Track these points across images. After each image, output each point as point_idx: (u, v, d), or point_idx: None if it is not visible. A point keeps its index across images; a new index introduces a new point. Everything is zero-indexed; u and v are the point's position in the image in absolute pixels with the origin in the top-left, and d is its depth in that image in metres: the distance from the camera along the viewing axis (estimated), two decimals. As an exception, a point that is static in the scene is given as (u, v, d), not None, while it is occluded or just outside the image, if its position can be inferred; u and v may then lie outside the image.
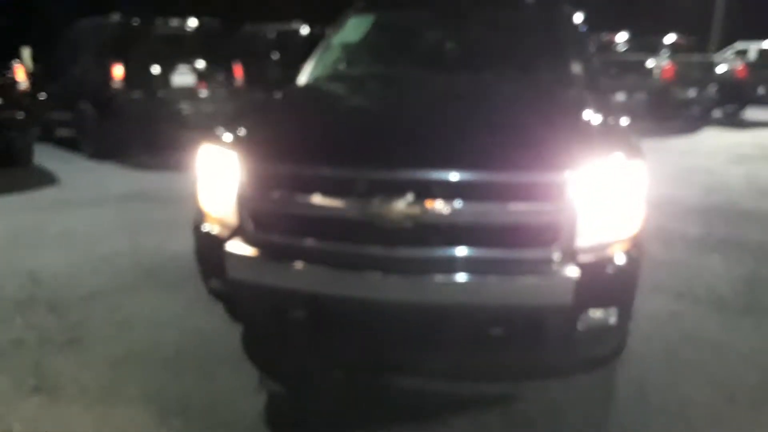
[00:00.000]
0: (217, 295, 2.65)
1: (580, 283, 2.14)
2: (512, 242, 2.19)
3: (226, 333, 3.13)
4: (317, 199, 2.26)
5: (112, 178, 7.19)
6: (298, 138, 2.48)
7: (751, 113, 14.09)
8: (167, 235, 4.85)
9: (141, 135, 7.99)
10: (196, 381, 2.75)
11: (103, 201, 6.06)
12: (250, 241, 2.40)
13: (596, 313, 2.25)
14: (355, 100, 3.06)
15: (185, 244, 4.52)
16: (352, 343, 2.55)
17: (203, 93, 8.38)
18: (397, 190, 2.15)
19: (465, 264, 2.19)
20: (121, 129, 7.84)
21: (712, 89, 11.94)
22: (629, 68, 10.75)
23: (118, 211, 5.71)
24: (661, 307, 3.48)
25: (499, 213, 2.17)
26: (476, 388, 2.68)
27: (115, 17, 8.18)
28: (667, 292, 3.71)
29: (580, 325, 2.24)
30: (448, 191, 2.16)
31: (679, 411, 2.51)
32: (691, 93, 11.39)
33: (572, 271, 2.14)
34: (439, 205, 2.15)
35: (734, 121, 13.06)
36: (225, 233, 2.47)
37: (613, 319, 2.29)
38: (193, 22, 8.63)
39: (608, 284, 2.24)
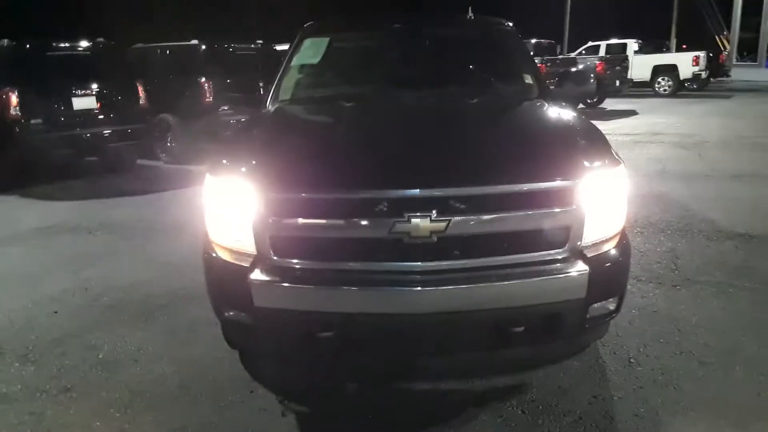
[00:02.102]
0: (235, 325, 2.67)
1: (591, 277, 2.41)
2: (529, 247, 2.43)
3: (224, 360, 3.13)
4: (343, 222, 2.37)
5: (20, 212, 6.70)
6: (313, 164, 2.55)
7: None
8: (113, 267, 4.69)
9: (43, 163, 7.50)
10: (215, 411, 2.75)
11: (23, 237, 5.67)
12: (276, 269, 2.45)
13: (602, 303, 2.53)
14: (345, 122, 3.15)
15: (138, 275, 4.44)
16: (378, 355, 2.67)
17: (105, 115, 8.02)
18: (423, 207, 2.32)
19: (489, 271, 2.39)
20: (21, 159, 7.32)
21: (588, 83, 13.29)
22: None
23: (44, 246, 5.38)
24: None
25: (518, 221, 2.39)
26: (488, 383, 2.89)
27: (4, 42, 7.61)
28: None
29: (590, 315, 2.52)
30: (470, 205, 2.35)
31: (666, 379, 2.86)
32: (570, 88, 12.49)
33: (584, 268, 2.41)
34: (462, 219, 2.34)
35: (597, 112, 14.45)
36: (244, 263, 2.50)
37: (613, 306, 2.59)
38: (85, 43, 8.24)
39: (612, 275, 2.54)
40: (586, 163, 2.47)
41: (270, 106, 3.53)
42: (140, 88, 8.52)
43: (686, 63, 20.72)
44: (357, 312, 2.42)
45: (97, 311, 3.88)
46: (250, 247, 2.50)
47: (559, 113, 3.08)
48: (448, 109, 3.19)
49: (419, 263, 2.38)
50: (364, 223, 2.37)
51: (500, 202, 2.38)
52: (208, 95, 9.26)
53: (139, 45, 10.38)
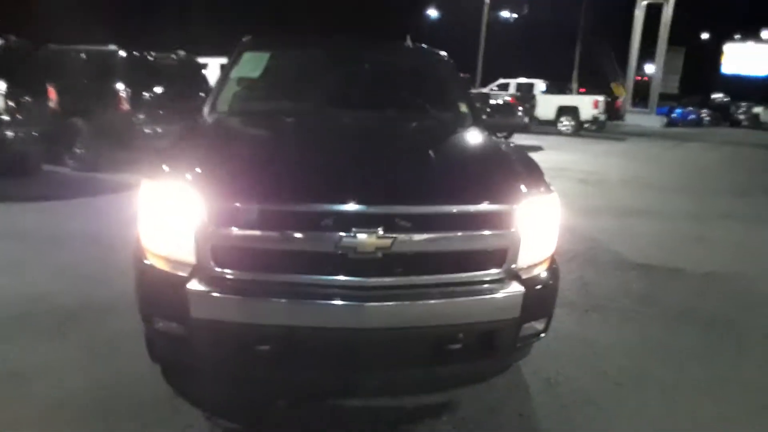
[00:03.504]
0: (166, 337, 2.58)
1: (525, 298, 2.53)
2: (470, 266, 2.52)
3: (144, 375, 3.01)
4: (290, 234, 2.37)
5: None
6: (261, 174, 2.54)
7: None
8: (20, 277, 4.39)
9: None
10: (138, 430, 2.63)
11: None
12: (216, 279, 2.41)
13: (533, 323, 2.66)
14: (291, 136, 3.15)
15: (48, 286, 4.18)
16: (315, 370, 2.65)
17: (11, 116, 7.52)
18: (370, 223, 2.36)
19: (431, 289, 2.47)
20: None
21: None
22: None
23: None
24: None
25: (461, 241, 2.48)
26: (418, 401, 2.93)
27: None
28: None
29: (521, 334, 2.63)
30: (415, 224, 2.43)
31: (585, 397, 3.02)
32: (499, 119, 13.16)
33: (519, 288, 2.53)
34: (407, 237, 2.40)
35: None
36: (181, 272, 2.44)
37: (542, 326, 2.73)
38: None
39: (543, 296, 2.67)
40: (524, 190, 2.61)
41: (207, 117, 3.47)
42: (52, 90, 8.07)
43: (587, 106, 22.16)
44: (298, 325, 2.42)
45: (3, 323, 3.61)
46: (189, 256, 2.44)
47: (495, 142, 3.24)
48: (391, 130, 3.27)
49: (364, 278, 2.42)
50: (311, 236, 2.38)
51: (444, 222, 2.46)
52: (124, 103, 8.92)
53: (52, 46, 9.85)
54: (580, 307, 4.27)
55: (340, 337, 2.46)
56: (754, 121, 33.89)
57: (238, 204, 2.39)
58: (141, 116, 9.24)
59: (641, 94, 34.61)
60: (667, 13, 30.17)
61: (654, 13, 31.39)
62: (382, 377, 2.90)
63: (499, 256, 2.54)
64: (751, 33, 46.98)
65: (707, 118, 33.53)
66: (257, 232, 2.39)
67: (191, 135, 3.17)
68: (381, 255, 2.38)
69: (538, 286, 2.63)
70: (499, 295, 2.52)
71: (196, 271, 2.43)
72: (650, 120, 30.64)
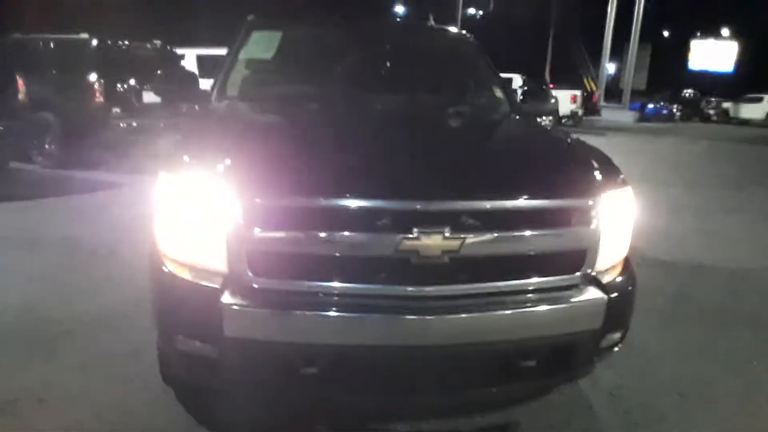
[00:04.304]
0: (190, 358, 2.17)
1: (608, 306, 2.19)
2: (547, 270, 2.17)
3: (157, 400, 2.60)
4: (344, 236, 1.99)
5: None
6: (304, 165, 2.14)
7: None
8: (2, 287, 3.90)
9: None
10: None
11: None
12: (254, 291, 2.02)
13: (613, 333, 2.32)
14: (328, 124, 2.74)
15: (29, 296, 3.71)
16: (369, 394, 2.27)
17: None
18: (435, 222, 2.00)
19: (505, 297, 2.11)
20: None
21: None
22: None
23: None
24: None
25: (538, 241, 2.12)
26: (474, 423, 2.59)
27: None
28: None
29: (601, 346, 2.29)
30: (487, 222, 2.06)
31: (654, 412, 2.71)
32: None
33: (601, 295, 2.19)
34: (478, 237, 2.04)
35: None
36: (212, 284, 2.04)
37: (618, 337, 2.40)
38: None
39: (623, 304, 2.33)
40: (602, 181, 2.27)
41: (217, 102, 3.05)
42: (20, 82, 7.48)
43: (565, 100, 22.09)
44: (354, 344, 2.04)
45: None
46: (219, 264, 2.04)
47: (552, 130, 2.90)
48: (433, 116, 2.89)
49: (430, 287, 2.04)
50: (368, 238, 2.00)
51: (520, 220, 2.10)
52: (98, 95, 8.37)
53: (17, 35, 9.22)
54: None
55: (401, 357, 2.09)
56: (724, 116, 34.31)
57: (282, 201, 2.00)
58: (116, 110, 8.73)
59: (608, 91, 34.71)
60: (639, 7, 30.35)
61: (619, 10, 31.55)
62: (441, 400, 2.54)
63: (578, 258, 2.19)
64: (711, 31, 48.18)
65: (678, 114, 33.86)
66: (305, 234, 1.99)
67: (206, 122, 2.75)
68: (447, 259, 2.02)
69: (620, 292, 2.28)
70: (580, 302, 2.17)
71: (230, 281, 2.03)
72: (624, 115, 30.79)
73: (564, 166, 2.41)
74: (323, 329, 2.02)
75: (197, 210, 2.06)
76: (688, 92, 38.52)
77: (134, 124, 8.92)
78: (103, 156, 8.79)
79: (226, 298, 1.99)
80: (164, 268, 2.15)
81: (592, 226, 2.18)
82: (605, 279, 2.27)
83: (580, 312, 2.18)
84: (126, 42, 9.29)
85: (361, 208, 2.01)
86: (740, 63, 47.55)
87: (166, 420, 2.50)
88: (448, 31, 3.90)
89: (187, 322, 2.11)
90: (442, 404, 2.60)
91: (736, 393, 2.93)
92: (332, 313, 2.01)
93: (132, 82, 8.93)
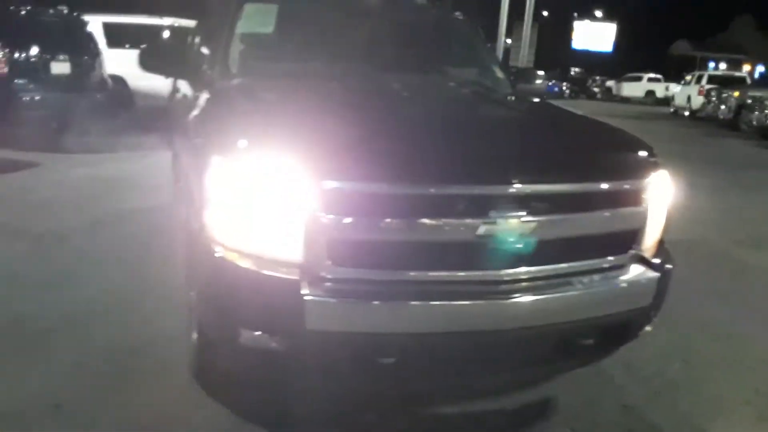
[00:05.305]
0: (255, 353, 2.04)
1: (658, 283, 2.29)
2: (608, 250, 2.24)
3: (189, 400, 2.44)
4: (429, 222, 1.94)
5: None
6: (379, 148, 2.03)
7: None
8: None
9: None
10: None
11: None
12: (336, 281, 1.93)
13: (658, 309, 2.43)
14: (376, 105, 2.60)
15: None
16: (441, 380, 2.25)
17: None
18: (512, 207, 2.00)
19: (572, 278, 2.16)
20: None
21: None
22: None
23: None
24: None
25: (603, 222, 2.20)
26: (515, 401, 2.62)
27: None
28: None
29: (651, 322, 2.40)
30: (560, 204, 2.10)
31: (670, 381, 2.88)
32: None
33: (653, 273, 2.29)
34: (551, 219, 2.07)
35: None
36: (290, 275, 1.91)
37: (654, 313, 2.51)
38: None
39: (667, 281, 2.43)
40: (651, 163, 2.37)
41: (228, 80, 2.80)
42: None
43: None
44: (434, 331, 2.00)
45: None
46: (293, 254, 1.92)
47: (575, 113, 2.95)
48: (467, 97, 2.84)
49: (506, 270, 2.05)
50: (448, 223, 1.96)
51: (589, 201, 2.16)
52: (2, 65, 7.58)
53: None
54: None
55: (475, 341, 2.07)
56: (608, 94, 36.63)
57: (368, 185, 1.90)
58: (19, 81, 7.96)
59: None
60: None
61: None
62: (501, 379, 2.56)
63: (632, 237, 2.28)
64: (588, 13, 51.31)
65: (568, 91, 35.63)
66: (389, 221, 1.91)
67: (241, 102, 2.52)
68: (522, 242, 2.03)
69: (664, 269, 2.39)
70: (636, 280, 2.26)
71: (308, 272, 1.92)
72: (519, 92, 31.79)
73: (616, 148, 2.48)
74: (405, 318, 1.98)
75: (269, 197, 1.92)
76: (575, 71, 40.67)
77: (37, 98, 8.19)
78: (8, 132, 7.97)
79: (307, 290, 1.89)
80: (223, 260, 1.99)
81: (644, 206, 2.27)
82: (652, 257, 2.36)
83: (637, 289, 2.27)
84: (27, 7, 8.45)
85: (443, 194, 1.99)
86: (619, 44, 50.90)
87: (204, 420, 2.34)
88: (443, 9, 3.85)
89: (256, 316, 1.98)
90: (504, 384, 2.62)
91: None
92: (414, 302, 1.97)
93: (36, 50, 8.18)
